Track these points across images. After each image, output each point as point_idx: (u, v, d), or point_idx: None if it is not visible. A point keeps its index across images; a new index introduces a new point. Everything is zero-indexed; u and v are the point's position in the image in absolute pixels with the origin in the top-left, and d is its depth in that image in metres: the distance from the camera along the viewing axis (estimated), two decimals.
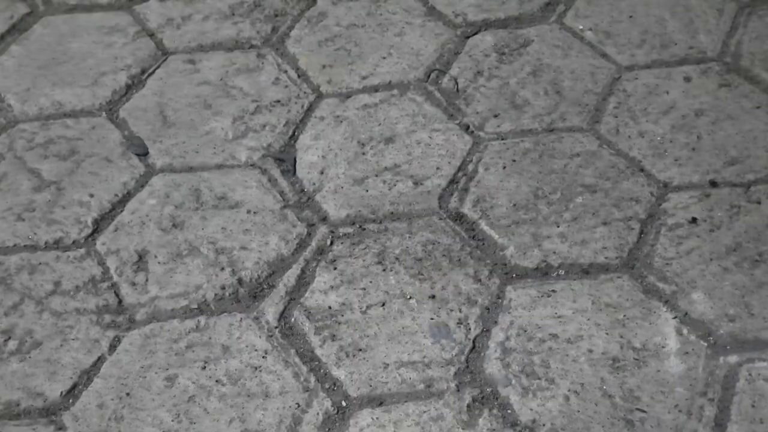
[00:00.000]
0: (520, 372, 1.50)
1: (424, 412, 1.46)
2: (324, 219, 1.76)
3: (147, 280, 1.65)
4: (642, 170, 1.83)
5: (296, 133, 1.93)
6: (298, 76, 2.05)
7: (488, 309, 1.60)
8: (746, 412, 1.44)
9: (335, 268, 1.67)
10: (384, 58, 2.09)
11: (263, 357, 1.54)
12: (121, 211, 1.77)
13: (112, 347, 1.56)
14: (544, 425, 1.43)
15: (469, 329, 1.57)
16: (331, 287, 1.64)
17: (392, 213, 1.77)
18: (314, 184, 1.82)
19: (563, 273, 1.65)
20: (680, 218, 1.74)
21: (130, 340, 1.57)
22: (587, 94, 1.99)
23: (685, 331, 1.55)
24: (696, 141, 1.89)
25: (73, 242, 1.72)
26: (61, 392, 1.50)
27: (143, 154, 1.89)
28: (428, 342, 1.55)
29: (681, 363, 1.51)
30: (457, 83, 2.03)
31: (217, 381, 1.51)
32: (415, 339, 1.55)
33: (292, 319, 1.59)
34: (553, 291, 1.61)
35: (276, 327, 1.58)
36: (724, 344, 1.53)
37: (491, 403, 1.47)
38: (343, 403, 1.48)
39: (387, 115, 1.96)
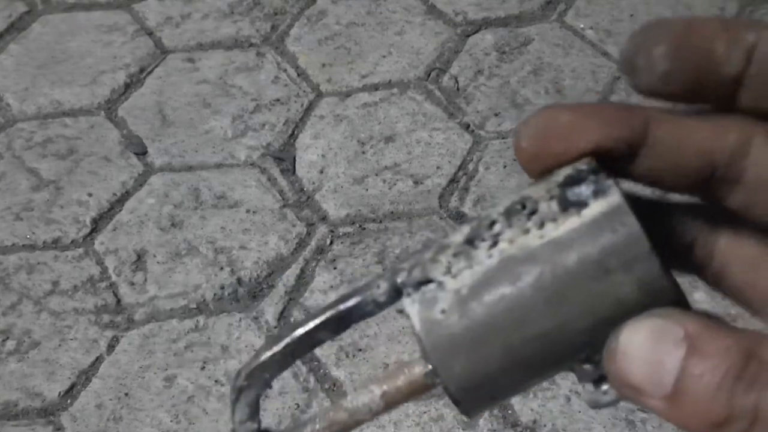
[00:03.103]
0: None
1: (424, 412, 1.45)
2: (324, 218, 1.75)
3: (146, 279, 1.65)
4: None
5: (296, 132, 1.92)
6: (298, 75, 2.05)
7: None
8: None
9: (335, 268, 1.66)
10: (384, 56, 2.09)
11: None
12: (120, 211, 1.77)
13: (111, 347, 1.55)
14: (545, 426, 1.43)
15: None
16: (331, 287, 1.63)
17: (392, 212, 1.76)
18: (314, 183, 1.82)
19: None
20: None
21: (128, 340, 1.56)
22: (588, 93, 1.99)
23: None
24: None
25: (72, 242, 1.71)
26: (60, 392, 1.49)
27: (142, 153, 1.88)
28: None
29: None
30: (457, 82, 2.02)
31: (216, 381, 1.50)
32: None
33: (292, 319, 1.59)
34: None
35: (275, 327, 1.58)
36: None
37: None
38: None
39: (387, 113, 1.95)
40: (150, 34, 2.15)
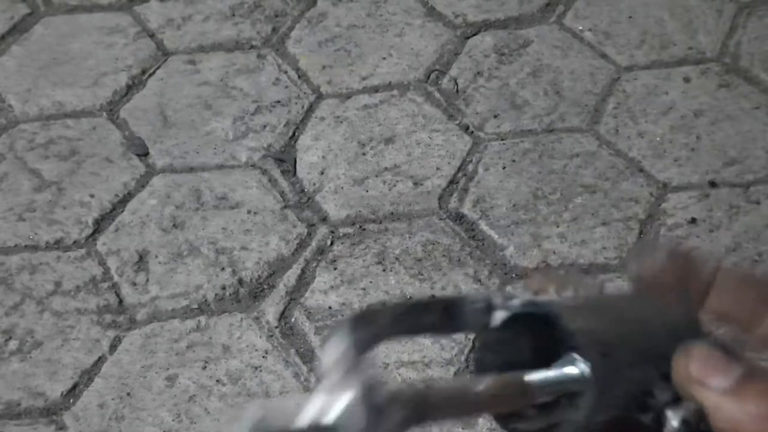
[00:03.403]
0: None
1: None
2: (324, 219, 1.76)
3: (147, 280, 1.66)
4: (641, 170, 1.84)
5: (296, 134, 1.93)
6: (299, 77, 2.06)
7: None
8: None
9: (335, 268, 1.67)
10: (384, 58, 2.10)
11: (263, 357, 1.54)
12: (122, 212, 1.77)
13: (113, 347, 1.56)
14: None
15: None
16: (332, 287, 1.64)
17: (392, 213, 1.77)
18: (314, 184, 1.83)
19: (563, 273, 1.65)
20: (680, 218, 1.74)
21: (130, 340, 1.57)
22: (587, 95, 2.00)
23: None
24: (695, 141, 1.89)
25: (74, 242, 1.72)
26: (62, 392, 1.50)
27: (144, 154, 1.89)
28: (428, 342, 1.55)
29: None
30: (456, 84, 2.03)
31: (217, 381, 1.51)
32: (415, 339, 1.55)
33: (293, 319, 1.60)
34: None
35: (276, 327, 1.59)
36: None
37: None
38: None
39: (387, 115, 1.96)
40: (151, 36, 2.16)
